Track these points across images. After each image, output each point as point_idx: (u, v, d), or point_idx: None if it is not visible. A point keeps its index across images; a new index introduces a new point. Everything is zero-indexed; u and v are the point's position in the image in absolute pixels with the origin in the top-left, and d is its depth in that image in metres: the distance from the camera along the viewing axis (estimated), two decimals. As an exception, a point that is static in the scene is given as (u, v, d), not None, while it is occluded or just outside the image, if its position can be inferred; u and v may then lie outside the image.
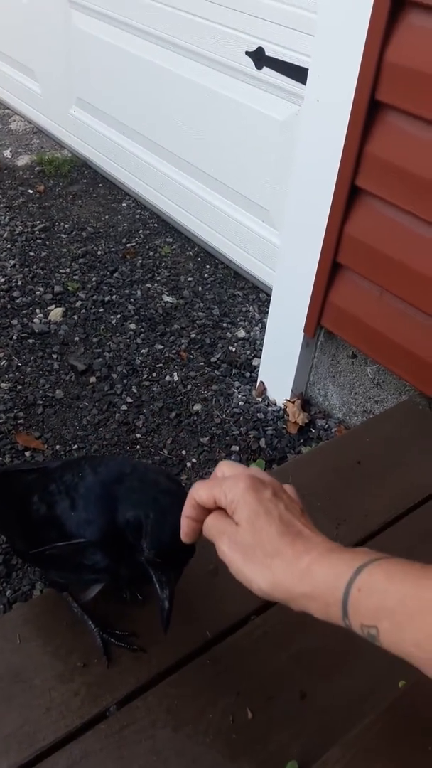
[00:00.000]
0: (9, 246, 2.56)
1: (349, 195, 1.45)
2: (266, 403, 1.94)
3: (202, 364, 2.09)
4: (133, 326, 2.22)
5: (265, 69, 1.97)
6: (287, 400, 1.88)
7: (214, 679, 0.90)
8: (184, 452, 1.78)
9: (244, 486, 0.61)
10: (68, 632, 0.92)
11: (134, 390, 1.97)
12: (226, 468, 0.68)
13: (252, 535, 0.59)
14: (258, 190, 2.19)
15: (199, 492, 0.65)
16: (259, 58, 1.98)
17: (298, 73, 1.83)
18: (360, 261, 1.51)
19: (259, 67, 1.99)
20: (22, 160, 3.24)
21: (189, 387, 1.99)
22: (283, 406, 1.90)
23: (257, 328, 2.24)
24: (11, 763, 0.80)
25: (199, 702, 0.87)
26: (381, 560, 0.54)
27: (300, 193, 1.59)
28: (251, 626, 0.96)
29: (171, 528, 0.69)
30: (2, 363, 2.01)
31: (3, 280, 2.36)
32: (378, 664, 0.88)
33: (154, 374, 2.03)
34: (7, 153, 3.31)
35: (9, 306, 2.24)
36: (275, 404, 1.93)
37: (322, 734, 0.84)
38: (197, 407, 1.93)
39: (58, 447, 1.75)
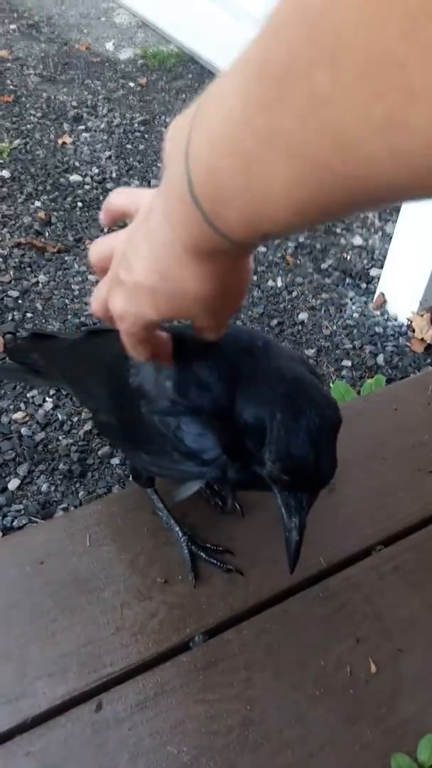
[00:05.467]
0: (105, 137, 2.35)
1: None
2: (385, 317, 1.68)
3: (311, 270, 1.83)
4: (235, 225, 1.98)
5: None
6: (414, 313, 1.60)
7: (327, 618, 0.70)
8: (285, 365, 1.56)
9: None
10: (149, 539, 0.73)
11: (233, 293, 1.75)
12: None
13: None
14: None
15: (98, 245, 0.50)
16: None
17: None
18: None
19: None
20: (125, 54, 3.00)
21: (294, 293, 1.75)
22: (407, 321, 1.63)
23: (377, 236, 1.96)
24: (70, 689, 0.63)
25: (308, 644, 0.67)
26: None
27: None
28: (377, 558, 0.75)
29: (307, 435, 0.50)
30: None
31: (97, 171, 2.16)
32: None
33: (254, 278, 1.80)
34: (109, 46, 3.08)
35: (101, 197, 2.06)
36: (396, 319, 1.66)
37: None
38: (303, 316, 1.69)
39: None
